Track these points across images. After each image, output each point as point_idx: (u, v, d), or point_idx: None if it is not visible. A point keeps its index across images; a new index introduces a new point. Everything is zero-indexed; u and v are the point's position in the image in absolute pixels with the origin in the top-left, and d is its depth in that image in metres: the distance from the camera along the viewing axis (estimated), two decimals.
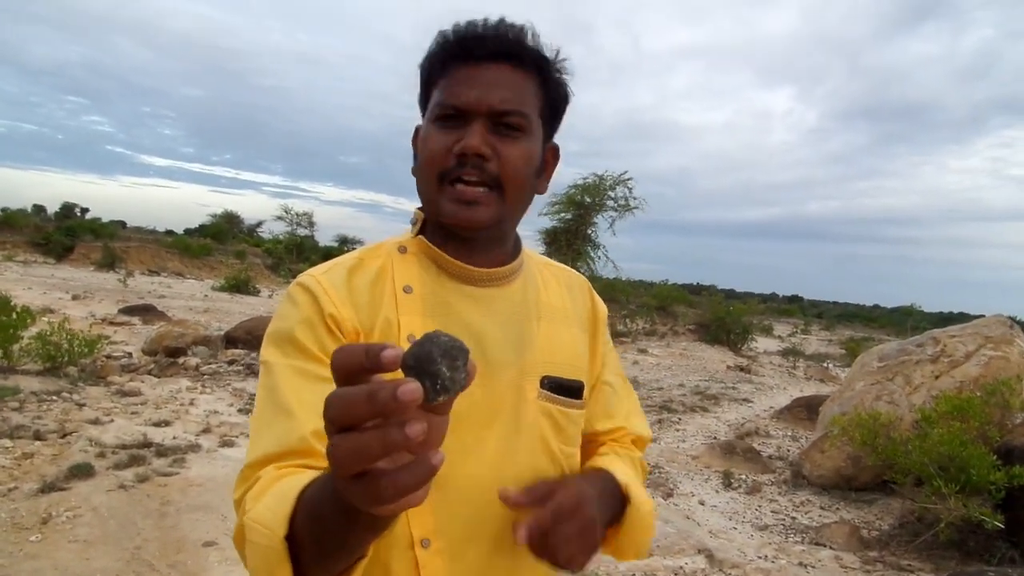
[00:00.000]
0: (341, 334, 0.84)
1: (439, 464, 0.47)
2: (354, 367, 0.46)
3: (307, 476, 0.68)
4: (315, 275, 0.89)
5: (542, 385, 0.92)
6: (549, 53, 0.92)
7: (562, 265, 1.09)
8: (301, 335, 0.83)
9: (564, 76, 0.94)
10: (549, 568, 0.85)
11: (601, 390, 1.04)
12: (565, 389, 0.94)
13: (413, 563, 0.82)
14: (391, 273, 0.90)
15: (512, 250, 0.97)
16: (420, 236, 0.93)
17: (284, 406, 0.78)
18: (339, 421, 0.46)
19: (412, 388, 0.43)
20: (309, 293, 0.86)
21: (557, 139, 0.99)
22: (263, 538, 0.66)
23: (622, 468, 0.95)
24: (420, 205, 0.96)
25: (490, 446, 0.87)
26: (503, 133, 0.86)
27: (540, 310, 0.97)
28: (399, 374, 0.45)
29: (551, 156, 0.98)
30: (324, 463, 0.64)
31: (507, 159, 0.86)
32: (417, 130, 0.95)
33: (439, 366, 0.44)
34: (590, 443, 1.03)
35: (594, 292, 1.09)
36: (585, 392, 0.98)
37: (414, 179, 0.94)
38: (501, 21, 0.89)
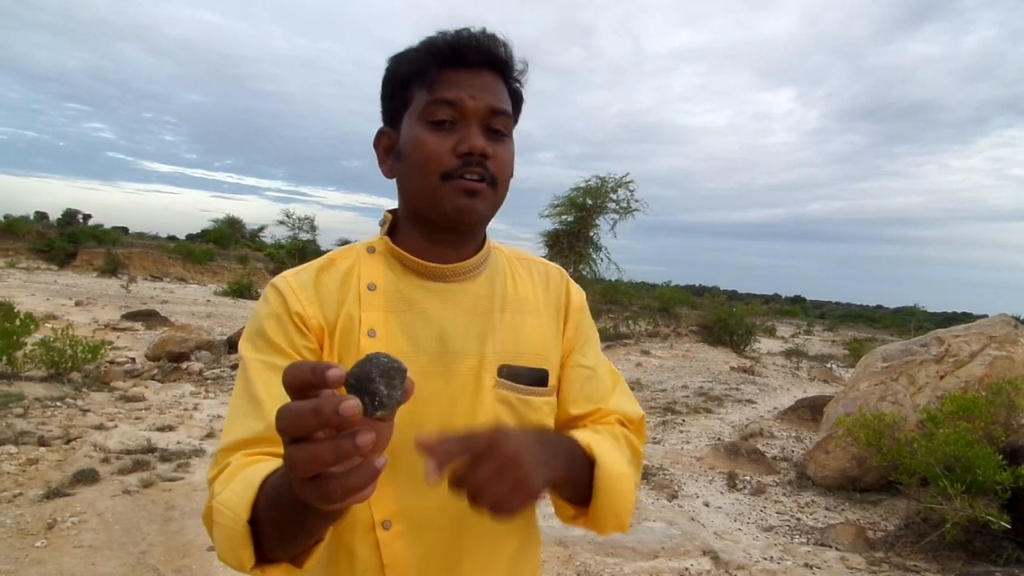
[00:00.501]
0: (307, 330, 0.91)
1: (382, 467, 0.53)
2: (302, 383, 0.52)
3: (270, 465, 0.74)
4: (286, 276, 0.96)
5: (500, 374, 0.95)
6: (520, 65, 0.98)
7: (538, 258, 1.12)
8: (271, 331, 0.90)
9: (522, 85, 1.00)
10: (509, 543, 0.94)
11: (576, 373, 1.04)
12: (526, 377, 0.97)
13: (375, 544, 0.87)
14: (357, 272, 0.96)
15: (476, 246, 1.01)
16: (386, 237, 0.99)
17: (254, 397, 0.85)
18: (290, 432, 0.52)
19: (352, 405, 0.49)
20: (279, 293, 0.93)
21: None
22: (229, 520, 0.72)
23: (588, 434, 0.94)
24: (393, 207, 1.02)
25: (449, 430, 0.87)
26: (493, 136, 0.93)
27: (506, 302, 1.00)
28: (344, 389, 0.52)
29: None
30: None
31: (499, 159, 0.93)
32: (382, 133, 0.99)
33: (377, 385, 0.51)
34: (572, 424, 1.03)
35: (570, 281, 1.11)
36: (551, 380, 1.00)
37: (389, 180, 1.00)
38: (483, 30, 0.94)
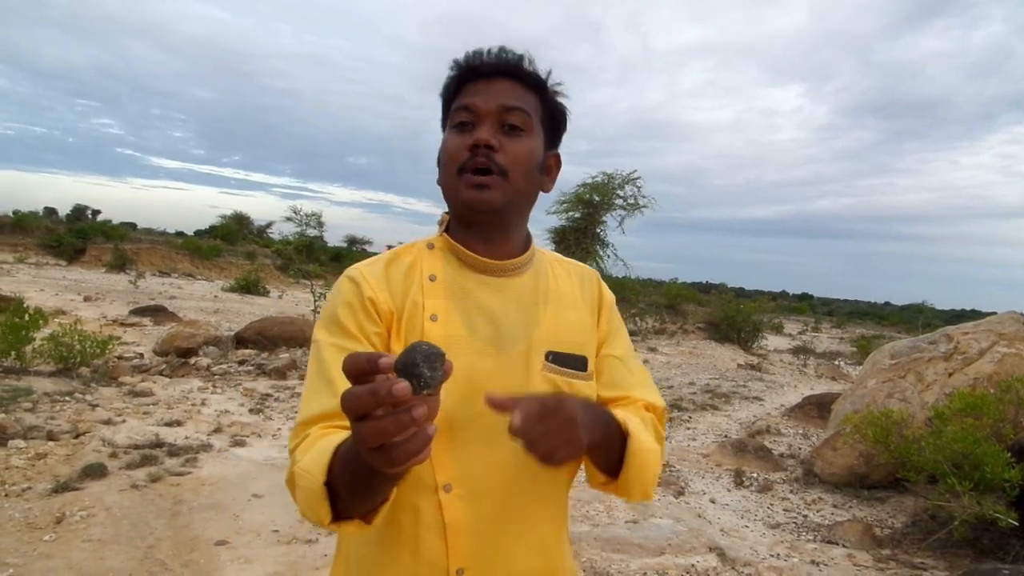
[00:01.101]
0: (378, 315, 1.03)
1: (433, 434, 0.64)
2: (360, 371, 0.63)
3: (342, 435, 0.86)
4: (359, 267, 1.09)
5: (547, 359, 1.06)
6: (544, 73, 1.10)
7: (574, 261, 1.24)
8: (344, 317, 1.02)
9: (561, 97, 1.12)
10: (547, 511, 1.07)
11: (606, 362, 1.16)
12: (569, 362, 1.08)
13: (437, 505, 0.98)
14: (420, 265, 1.08)
15: (523, 246, 1.14)
16: (444, 234, 1.11)
17: (327, 377, 0.97)
18: (353, 412, 0.62)
19: (403, 386, 0.60)
20: (353, 282, 1.05)
21: (563, 154, 1.18)
22: (308, 482, 0.84)
23: (622, 412, 1.05)
24: (446, 209, 1.13)
25: None
26: (508, 132, 1.04)
27: (548, 296, 1.12)
28: (394, 373, 0.62)
29: (554, 162, 1.15)
30: None
31: (512, 151, 1.03)
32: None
33: (421, 368, 0.61)
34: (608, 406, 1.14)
35: (603, 283, 1.23)
36: (590, 366, 1.12)
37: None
38: (502, 47, 1.08)
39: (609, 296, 1.22)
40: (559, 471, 1.04)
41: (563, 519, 1.14)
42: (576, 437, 0.84)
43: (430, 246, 1.12)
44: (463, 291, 1.06)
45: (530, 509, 1.05)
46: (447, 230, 1.13)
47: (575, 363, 1.09)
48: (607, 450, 0.99)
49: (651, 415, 1.14)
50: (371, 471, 0.71)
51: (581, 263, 1.24)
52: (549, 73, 1.10)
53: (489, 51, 1.07)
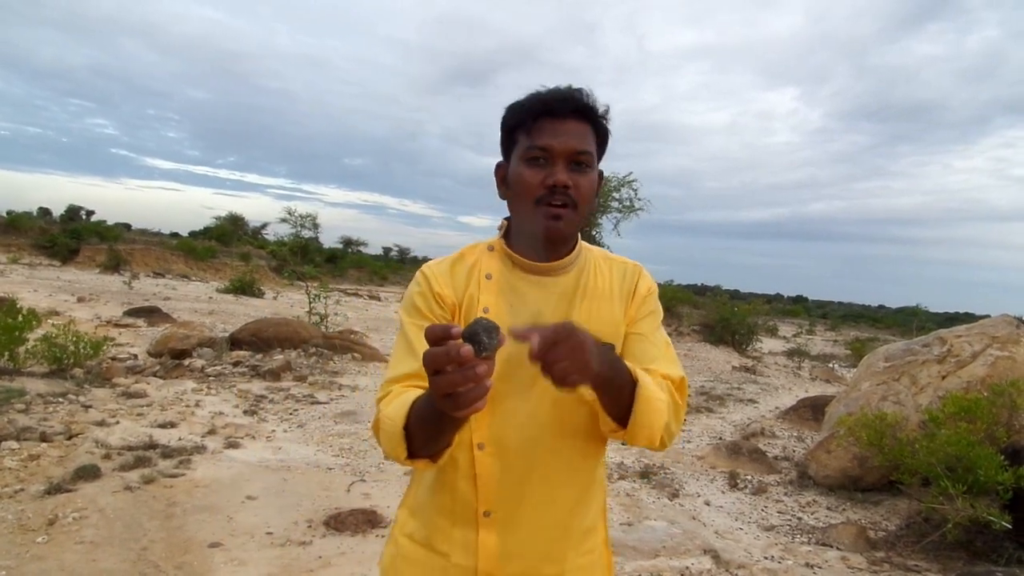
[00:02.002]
0: (444, 304, 1.28)
1: (491, 386, 0.85)
2: (437, 337, 0.84)
3: (418, 392, 1.11)
4: (430, 266, 1.34)
5: None
6: (601, 108, 1.26)
7: (622, 258, 1.41)
8: (420, 304, 1.28)
9: (607, 121, 1.28)
10: (572, 480, 1.27)
11: (631, 339, 1.32)
12: None
13: (471, 459, 1.23)
14: (480, 265, 1.31)
15: (570, 249, 1.32)
16: (501, 240, 1.33)
17: (411, 346, 1.24)
18: (431, 367, 0.85)
19: (468, 349, 0.81)
20: (424, 277, 1.31)
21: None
22: (390, 427, 1.10)
23: (634, 366, 1.18)
24: (507, 215, 1.34)
25: (537, 386, 1.21)
26: (577, 169, 1.22)
27: (586, 292, 1.30)
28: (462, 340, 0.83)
29: (600, 179, 1.33)
30: None
31: (581, 187, 1.22)
32: (499, 166, 1.33)
33: (481, 336, 0.83)
34: None
35: (643, 274, 1.39)
36: (617, 351, 1.28)
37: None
38: (573, 88, 1.23)
39: (644, 286, 1.37)
40: (583, 441, 1.26)
41: (591, 491, 1.32)
42: (586, 361, 0.97)
43: (490, 248, 1.33)
44: (512, 288, 1.28)
45: (552, 470, 1.25)
46: (506, 235, 1.33)
47: None
48: (617, 392, 1.12)
49: (667, 383, 1.25)
50: (440, 418, 0.97)
51: (629, 260, 1.40)
52: (606, 108, 1.27)
53: (562, 91, 1.23)
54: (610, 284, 1.34)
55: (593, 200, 1.28)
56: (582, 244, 1.35)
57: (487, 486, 1.23)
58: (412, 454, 1.10)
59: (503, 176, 1.32)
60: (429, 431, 1.04)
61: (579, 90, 1.23)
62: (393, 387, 1.20)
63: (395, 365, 1.25)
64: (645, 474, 5.76)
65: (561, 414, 1.24)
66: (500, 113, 1.30)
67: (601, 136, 1.28)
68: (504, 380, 1.18)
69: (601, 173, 1.33)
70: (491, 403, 1.10)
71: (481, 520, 1.24)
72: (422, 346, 1.12)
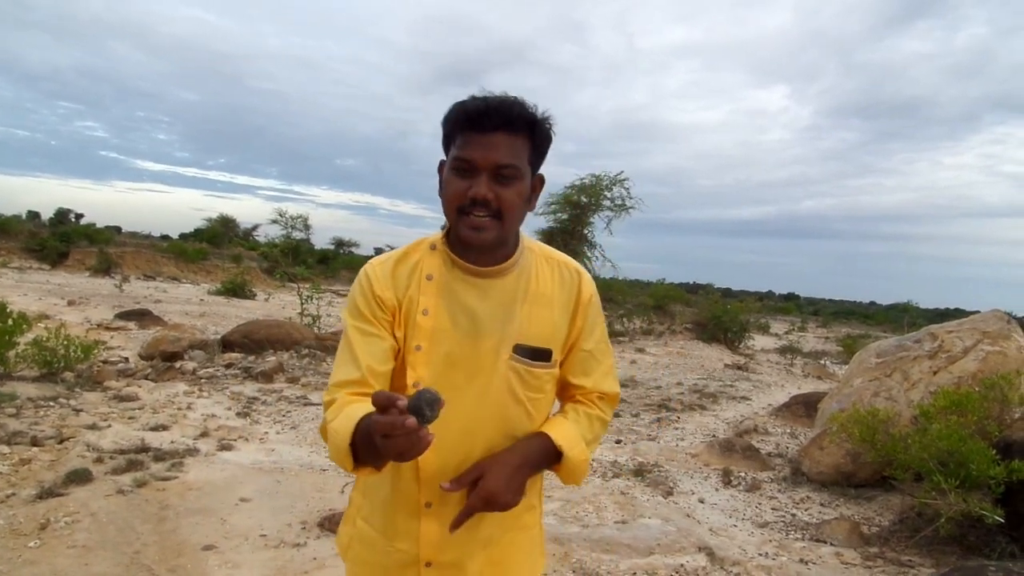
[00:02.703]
0: (384, 307, 1.31)
1: (430, 442, 0.92)
2: (382, 405, 0.92)
3: (364, 408, 1.12)
4: (374, 265, 1.37)
5: (514, 350, 1.32)
6: (537, 114, 1.28)
7: (563, 257, 1.44)
8: (362, 306, 1.32)
9: (548, 126, 1.31)
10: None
11: (578, 356, 1.43)
12: (533, 354, 1.34)
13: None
14: (422, 265, 1.34)
15: (510, 252, 1.35)
16: (444, 239, 1.36)
17: (352, 354, 1.28)
18: (379, 432, 0.92)
19: (412, 421, 0.88)
20: (367, 278, 1.34)
21: (550, 156, 1.37)
22: (339, 441, 1.13)
23: (565, 431, 1.38)
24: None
25: (474, 386, 1.31)
26: (501, 181, 1.24)
27: (527, 296, 1.35)
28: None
29: (538, 183, 1.37)
30: (374, 387, 1.24)
31: (504, 198, 1.25)
32: (441, 164, 1.33)
33: (424, 410, 0.91)
34: (567, 390, 1.47)
35: (583, 278, 1.43)
36: (555, 356, 1.37)
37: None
38: (502, 98, 1.25)
39: (587, 293, 1.42)
40: (518, 434, 1.36)
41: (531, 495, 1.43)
42: (504, 503, 1.28)
43: (433, 247, 1.37)
44: (451, 291, 1.32)
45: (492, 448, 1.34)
46: (448, 234, 1.35)
47: (539, 355, 1.35)
48: (547, 466, 1.39)
49: (598, 408, 1.47)
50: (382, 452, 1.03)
51: (568, 259, 1.44)
52: (545, 116, 1.30)
53: (488, 102, 1.24)
54: (551, 288, 1.38)
55: (520, 208, 1.30)
56: (524, 245, 1.39)
57: (429, 480, 1.31)
58: (357, 466, 1.15)
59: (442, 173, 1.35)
60: (373, 453, 1.07)
61: (510, 103, 1.25)
62: (338, 394, 1.26)
63: (339, 369, 1.29)
64: (639, 472, 5.76)
65: (497, 411, 1.33)
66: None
67: (539, 146, 1.31)
68: (442, 380, 1.27)
69: (542, 177, 1.37)
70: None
71: (423, 511, 1.33)
72: (363, 352, 1.28)
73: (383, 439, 0.92)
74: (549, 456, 1.35)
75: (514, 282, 1.35)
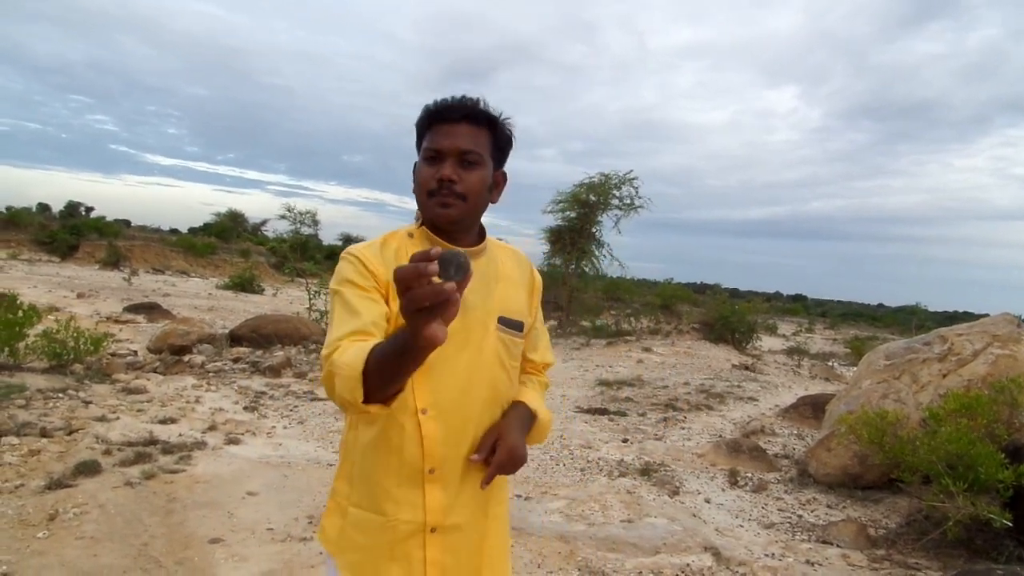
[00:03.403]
0: (378, 280, 1.39)
1: (458, 303, 0.92)
2: (415, 259, 0.91)
3: (374, 341, 1.19)
4: (359, 247, 1.45)
5: (499, 322, 1.47)
6: (496, 114, 1.45)
7: (512, 247, 1.65)
8: (355, 276, 1.39)
9: (508, 128, 1.48)
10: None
11: (533, 332, 1.65)
12: (512, 325, 1.50)
13: (417, 423, 1.37)
14: (403, 250, 1.45)
15: (477, 239, 1.52)
16: (423, 227, 1.48)
17: (353, 309, 1.32)
18: (402, 284, 0.91)
19: (435, 268, 0.89)
20: (356, 257, 1.41)
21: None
22: (349, 371, 1.14)
23: (534, 396, 1.59)
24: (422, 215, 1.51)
25: (465, 356, 1.41)
26: (465, 166, 1.40)
27: (499, 276, 1.52)
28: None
29: (501, 178, 1.53)
30: (378, 338, 1.26)
31: (468, 181, 1.40)
32: (415, 165, 1.48)
33: (450, 267, 0.90)
34: (524, 363, 1.64)
35: (534, 268, 1.67)
36: (525, 328, 1.55)
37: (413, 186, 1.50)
38: (464, 96, 1.43)
39: (538, 278, 1.66)
40: (507, 399, 1.51)
41: None
42: (521, 459, 1.45)
43: (410, 235, 1.48)
44: None
45: (484, 427, 1.44)
46: (423, 224, 1.47)
47: (516, 326, 1.51)
48: (528, 428, 1.54)
49: (545, 378, 1.71)
50: (403, 354, 1.04)
51: (517, 249, 1.65)
52: (500, 114, 1.46)
53: (452, 100, 1.42)
54: (513, 270, 1.58)
55: (482, 194, 1.44)
56: (489, 237, 1.56)
57: (432, 446, 1.38)
58: (367, 398, 1.16)
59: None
60: (389, 371, 1.10)
61: (472, 100, 1.43)
62: (341, 343, 1.26)
63: (339, 326, 1.30)
64: (645, 471, 5.75)
65: (488, 378, 1.44)
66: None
67: (499, 142, 1.47)
68: (440, 352, 1.28)
69: (505, 174, 1.53)
70: (429, 370, 1.34)
71: (427, 477, 1.39)
72: (363, 308, 1.33)
73: (408, 292, 0.91)
74: (529, 420, 1.53)
75: (486, 265, 1.49)
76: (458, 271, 0.91)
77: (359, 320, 1.30)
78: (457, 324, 1.34)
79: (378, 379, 1.13)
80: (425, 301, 0.90)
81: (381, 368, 1.11)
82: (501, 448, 1.41)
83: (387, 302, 1.37)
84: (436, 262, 0.90)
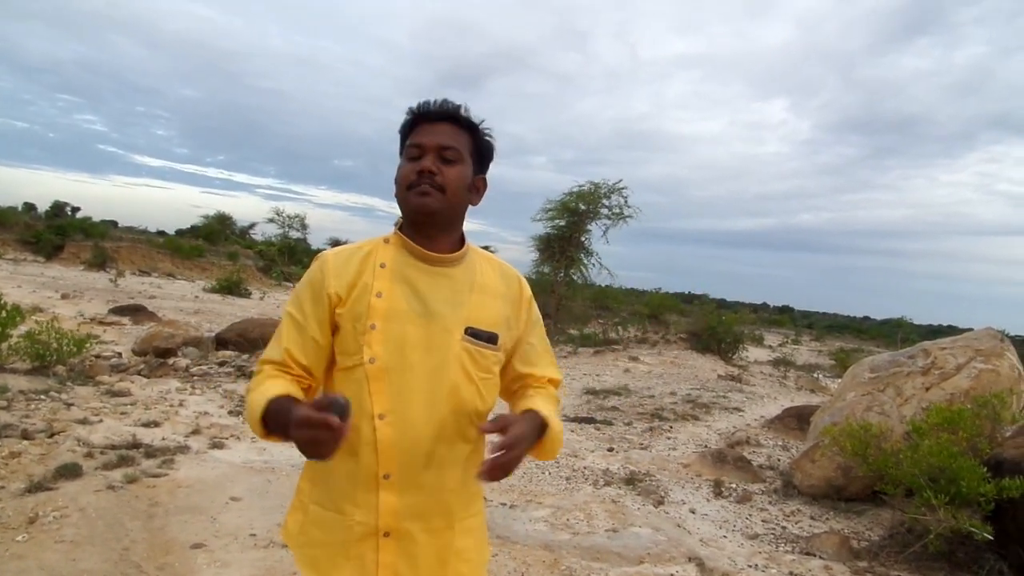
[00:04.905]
0: (327, 302, 1.44)
1: (343, 440, 1.14)
2: (315, 406, 1.14)
3: (280, 384, 1.39)
4: (331, 251, 1.51)
5: (465, 332, 1.45)
6: (476, 120, 1.49)
7: (501, 261, 1.63)
8: (304, 297, 1.47)
9: (489, 137, 1.52)
10: (465, 436, 1.46)
11: (524, 347, 1.60)
12: (483, 337, 1.47)
13: (373, 428, 1.38)
14: (375, 255, 1.48)
15: (457, 246, 1.51)
16: (399, 233, 1.50)
17: (280, 336, 1.46)
18: (298, 426, 1.15)
19: (333, 418, 1.09)
20: (322, 266, 1.47)
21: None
22: (252, 413, 1.35)
23: (544, 405, 1.51)
24: (401, 215, 1.51)
25: (427, 364, 1.41)
26: (445, 161, 1.43)
27: (475, 286, 1.50)
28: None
29: (481, 184, 1.55)
30: (292, 369, 1.44)
31: (447, 174, 1.43)
32: (398, 167, 1.50)
33: (337, 407, 1.11)
34: (519, 379, 1.61)
35: (523, 280, 1.64)
36: (500, 341, 1.51)
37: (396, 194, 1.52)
38: (445, 99, 1.47)
39: (527, 292, 1.63)
40: (471, 412, 1.45)
41: (478, 455, 1.52)
42: (520, 457, 1.37)
43: (386, 240, 1.51)
44: (404, 276, 1.45)
45: (444, 436, 1.42)
46: (400, 230, 1.50)
47: (487, 338, 1.48)
48: (537, 438, 1.47)
49: (553, 389, 1.64)
50: (286, 434, 1.24)
51: (506, 263, 1.62)
52: (482, 121, 1.50)
53: (435, 101, 1.47)
54: (495, 283, 1.55)
55: (462, 191, 1.46)
56: (469, 246, 1.55)
57: (387, 452, 1.39)
58: (269, 433, 1.34)
59: None
60: (282, 429, 1.27)
61: (454, 103, 1.48)
62: (264, 367, 1.45)
63: (270, 348, 1.47)
64: (630, 481, 5.76)
65: (450, 388, 1.42)
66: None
67: (480, 146, 1.51)
68: (396, 357, 1.40)
69: (485, 180, 1.55)
70: (389, 378, 1.39)
71: (381, 482, 1.40)
72: (289, 340, 1.45)
73: (299, 431, 1.13)
74: (538, 429, 1.47)
75: (462, 274, 1.50)
76: (346, 413, 1.12)
77: (279, 352, 1.44)
78: (420, 332, 1.41)
79: (274, 426, 1.31)
80: (318, 444, 1.14)
81: (276, 421, 1.30)
82: (510, 433, 1.34)
83: (334, 310, 1.44)
84: (326, 409, 1.10)
